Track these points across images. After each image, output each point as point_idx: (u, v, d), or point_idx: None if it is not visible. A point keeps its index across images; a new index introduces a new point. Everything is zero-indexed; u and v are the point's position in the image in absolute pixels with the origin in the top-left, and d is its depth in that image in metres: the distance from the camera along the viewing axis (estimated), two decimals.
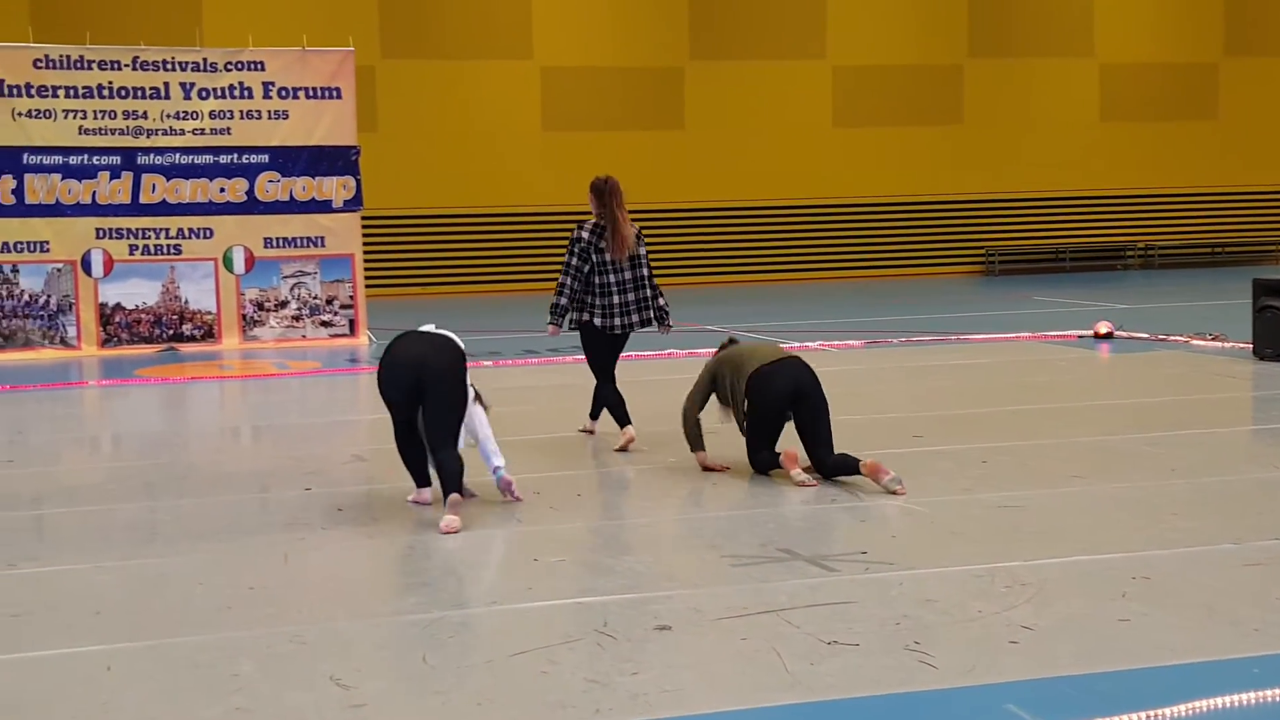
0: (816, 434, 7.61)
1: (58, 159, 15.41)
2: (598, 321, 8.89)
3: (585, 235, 8.84)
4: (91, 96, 15.48)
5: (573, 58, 24.80)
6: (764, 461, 7.73)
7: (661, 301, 9.11)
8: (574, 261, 8.82)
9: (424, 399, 6.99)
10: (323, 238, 16.35)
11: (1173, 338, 14.13)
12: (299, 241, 16.27)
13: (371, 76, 23.03)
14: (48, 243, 15.47)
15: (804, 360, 7.97)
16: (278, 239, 16.19)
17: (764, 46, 25.51)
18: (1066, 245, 26.96)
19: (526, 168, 24.52)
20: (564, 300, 8.86)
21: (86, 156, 15.49)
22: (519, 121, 24.59)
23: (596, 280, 8.85)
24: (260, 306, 16.16)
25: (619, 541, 6.40)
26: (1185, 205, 27.75)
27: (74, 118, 15.43)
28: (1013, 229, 26.96)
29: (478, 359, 13.85)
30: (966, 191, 26.54)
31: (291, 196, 16.17)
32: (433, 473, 7.17)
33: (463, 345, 7.29)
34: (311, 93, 16.25)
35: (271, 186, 16.09)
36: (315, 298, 16.32)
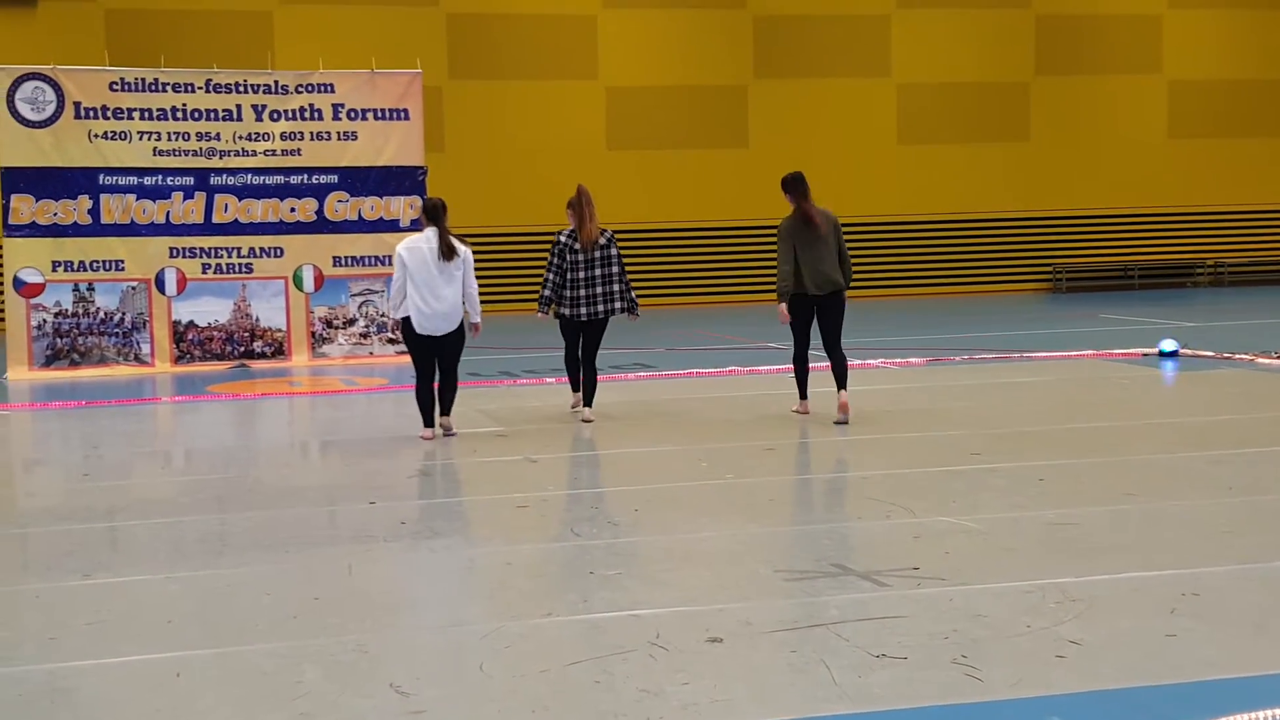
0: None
1: (133, 179, 15.74)
2: (566, 311, 10.85)
3: (563, 239, 10.88)
4: (165, 118, 15.80)
5: (637, 78, 25.00)
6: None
7: (632, 295, 11.02)
8: (554, 261, 10.85)
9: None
10: (391, 257, 16.46)
11: (1238, 356, 14.04)
12: (367, 260, 16.51)
13: (439, 97, 23.33)
14: (123, 261, 15.80)
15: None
16: (346, 258, 16.43)
17: (828, 65, 25.58)
18: (1135, 263, 26.77)
19: (591, 186, 24.59)
20: (547, 292, 10.86)
21: (160, 177, 15.81)
22: (584, 140, 24.81)
23: (568, 277, 10.78)
24: (329, 324, 16.41)
25: (674, 556, 6.50)
26: (1256, 222, 27.46)
27: (148, 139, 15.76)
28: (1081, 246, 26.81)
29: (540, 375, 14.01)
30: (1033, 209, 26.44)
31: (360, 216, 16.40)
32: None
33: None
34: (380, 114, 16.48)
35: (340, 206, 16.34)
36: (382, 315, 16.53)
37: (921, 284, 25.82)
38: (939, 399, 11.74)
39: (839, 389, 10.45)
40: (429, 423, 10.40)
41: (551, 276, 10.83)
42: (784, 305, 10.42)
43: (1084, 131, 26.58)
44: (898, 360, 14.71)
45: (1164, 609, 5.35)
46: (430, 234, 10.33)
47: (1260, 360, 13.64)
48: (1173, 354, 14.33)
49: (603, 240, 10.92)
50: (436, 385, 10.42)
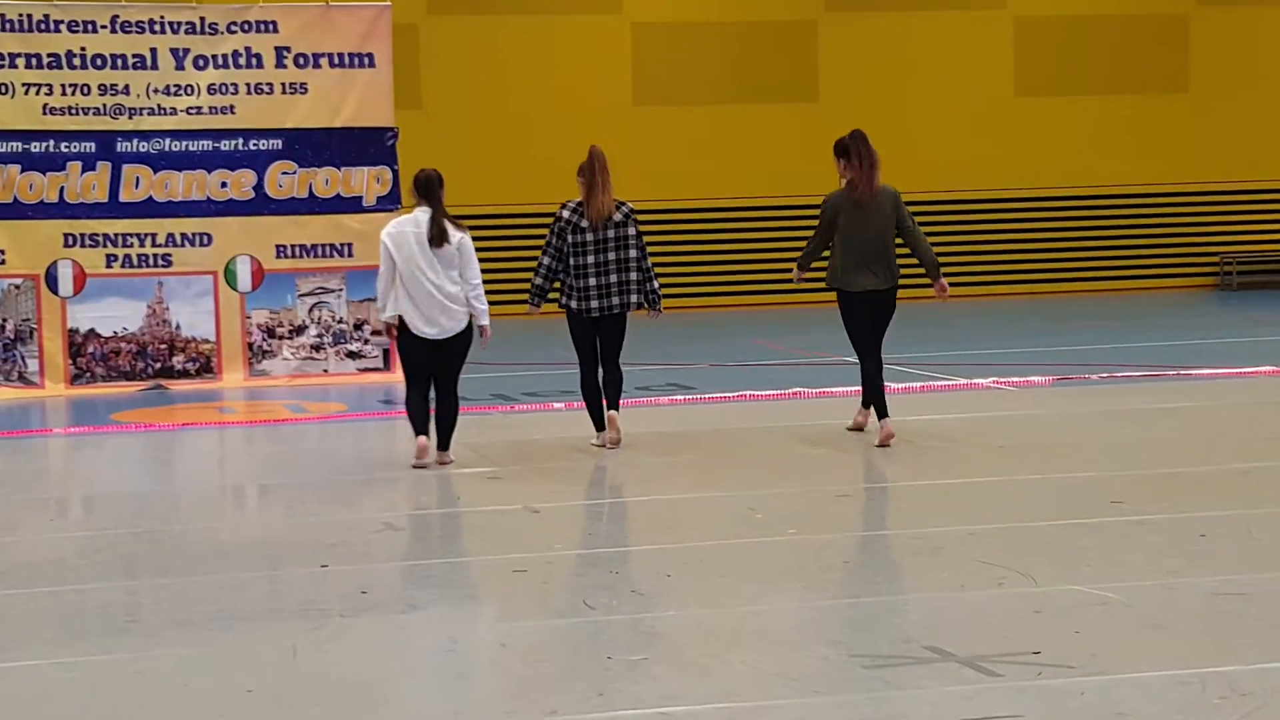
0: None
1: (16, 146, 15.73)
2: (574, 305, 11.06)
3: (565, 214, 11.11)
4: (59, 66, 15.83)
5: (672, 10, 25.05)
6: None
7: (654, 285, 11.14)
8: (553, 240, 11.08)
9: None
10: (350, 245, 16.55)
11: None
12: (320, 250, 16.53)
13: (414, 38, 23.42)
14: (3, 252, 15.81)
15: None
16: (293, 247, 16.45)
17: None
18: None
19: (612, 152, 24.66)
20: (539, 280, 11.16)
21: (52, 143, 15.82)
22: (604, 94, 24.84)
23: (573, 262, 10.97)
24: (271, 333, 16.46)
25: (717, 634, 6.49)
26: None
27: (36, 93, 15.77)
28: (1256, 229, 26.70)
29: (547, 400, 14.03)
30: (1193, 181, 26.32)
31: (311, 192, 16.42)
32: None
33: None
34: (337, 60, 16.52)
35: (286, 180, 16.38)
36: (340, 321, 16.55)
37: (1044, 279, 25.73)
38: (1068, 429, 11.68)
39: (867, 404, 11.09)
40: (422, 429, 10.57)
41: (546, 260, 11.12)
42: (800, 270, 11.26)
43: (1261, 80, 26.46)
44: (1013, 379, 14.67)
45: None
46: (420, 214, 10.45)
47: None
48: None
49: (618, 216, 11.08)
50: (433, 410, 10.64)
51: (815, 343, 18.24)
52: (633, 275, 10.99)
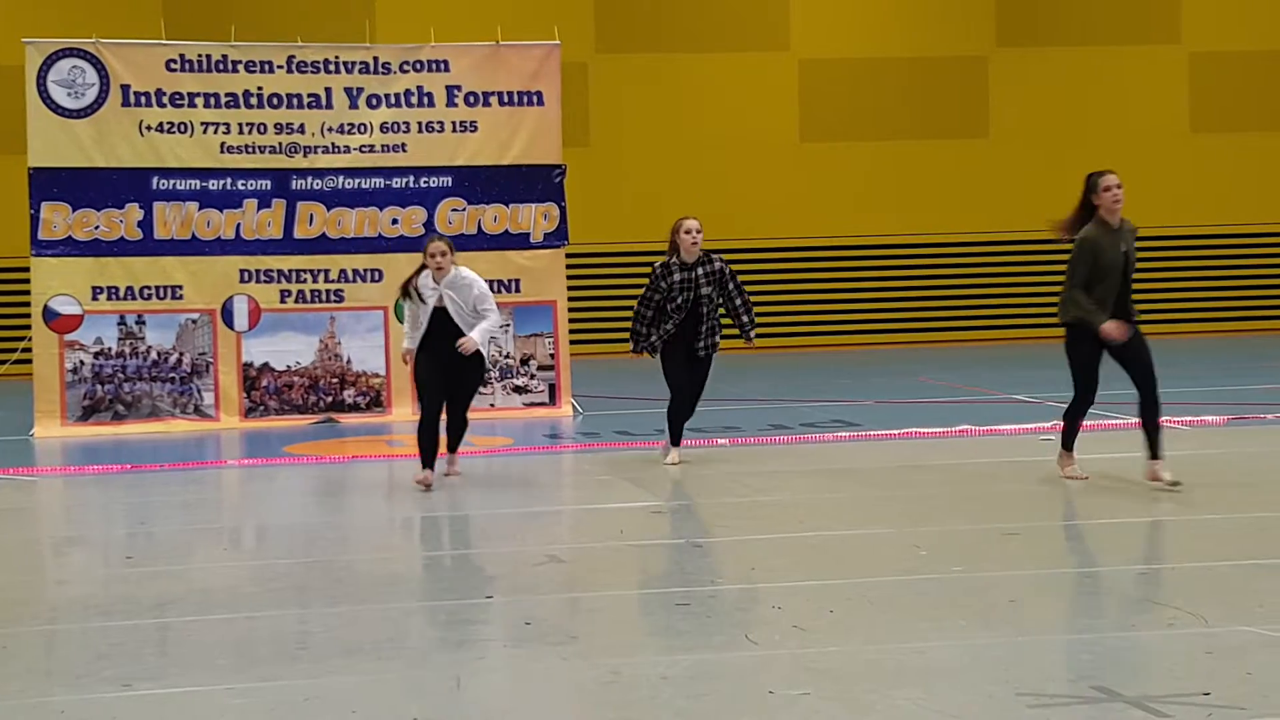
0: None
1: (194, 184, 16.11)
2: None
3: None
4: (236, 106, 16.19)
5: (840, 47, 25.02)
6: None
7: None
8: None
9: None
10: (518, 281, 16.71)
11: None
12: (489, 285, 16.62)
13: (583, 76, 23.62)
14: (181, 287, 16.19)
15: None
16: None
17: (1094, 28, 25.32)
18: None
19: (777, 189, 24.75)
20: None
21: (229, 180, 16.19)
22: (770, 130, 24.88)
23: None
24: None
25: (880, 671, 6.45)
26: None
27: (214, 132, 16.15)
28: None
29: (711, 436, 14.04)
30: None
31: (480, 229, 16.58)
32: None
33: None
34: (507, 98, 16.69)
35: (455, 216, 16.55)
36: (508, 356, 16.69)
37: (1216, 316, 25.29)
38: (1248, 467, 11.48)
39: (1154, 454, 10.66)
40: (428, 463, 11.49)
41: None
42: (1112, 323, 10.37)
43: None
44: (1186, 419, 14.43)
45: None
46: None
47: None
48: None
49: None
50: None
51: (991, 380, 18.10)
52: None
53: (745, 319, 12.45)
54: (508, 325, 16.50)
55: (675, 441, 12.55)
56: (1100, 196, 10.38)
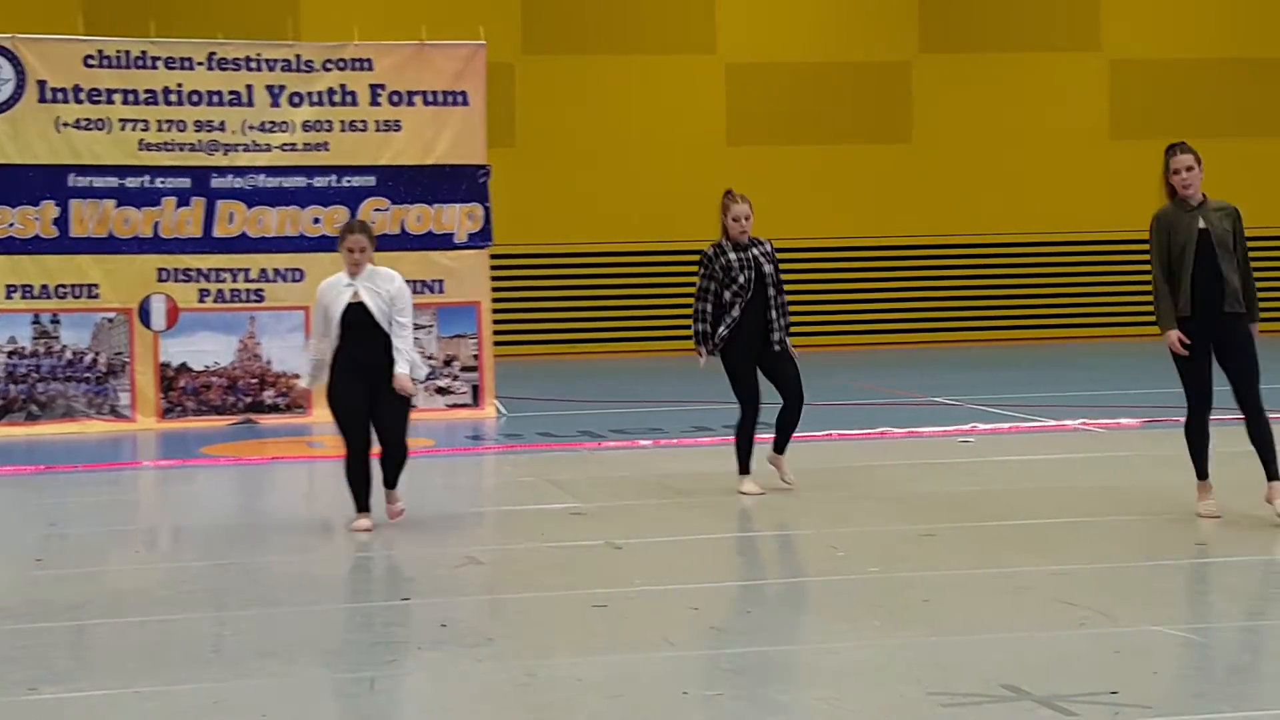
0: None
1: (112, 181, 16.01)
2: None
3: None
4: (155, 102, 16.09)
5: (767, 51, 25.09)
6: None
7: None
8: None
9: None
10: (441, 281, 16.68)
11: None
12: (412, 286, 16.50)
13: (509, 77, 23.59)
14: (97, 286, 16.08)
15: None
16: None
17: (1015, 35, 25.51)
18: None
19: (703, 193, 24.75)
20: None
21: (147, 178, 16.07)
22: (697, 133, 24.93)
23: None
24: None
25: (795, 671, 6.49)
26: None
27: (132, 129, 16.05)
28: None
29: (634, 438, 14.06)
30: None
31: (403, 229, 16.54)
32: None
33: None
34: (431, 98, 16.67)
35: (379, 216, 16.47)
36: (430, 358, 16.62)
37: (1137, 321, 25.50)
38: (1158, 471, 11.57)
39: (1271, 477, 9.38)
40: (363, 506, 9.95)
41: None
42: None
43: None
44: (1103, 421, 14.57)
45: None
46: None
47: None
48: None
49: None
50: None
51: (917, 385, 18.21)
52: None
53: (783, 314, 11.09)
54: (431, 327, 16.47)
55: (746, 469, 10.97)
56: (1170, 178, 9.42)
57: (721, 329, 10.74)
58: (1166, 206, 9.48)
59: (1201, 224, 9.31)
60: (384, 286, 10.00)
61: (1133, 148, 25.68)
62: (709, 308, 10.83)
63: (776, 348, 10.85)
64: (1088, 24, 25.72)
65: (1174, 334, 9.31)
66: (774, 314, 10.83)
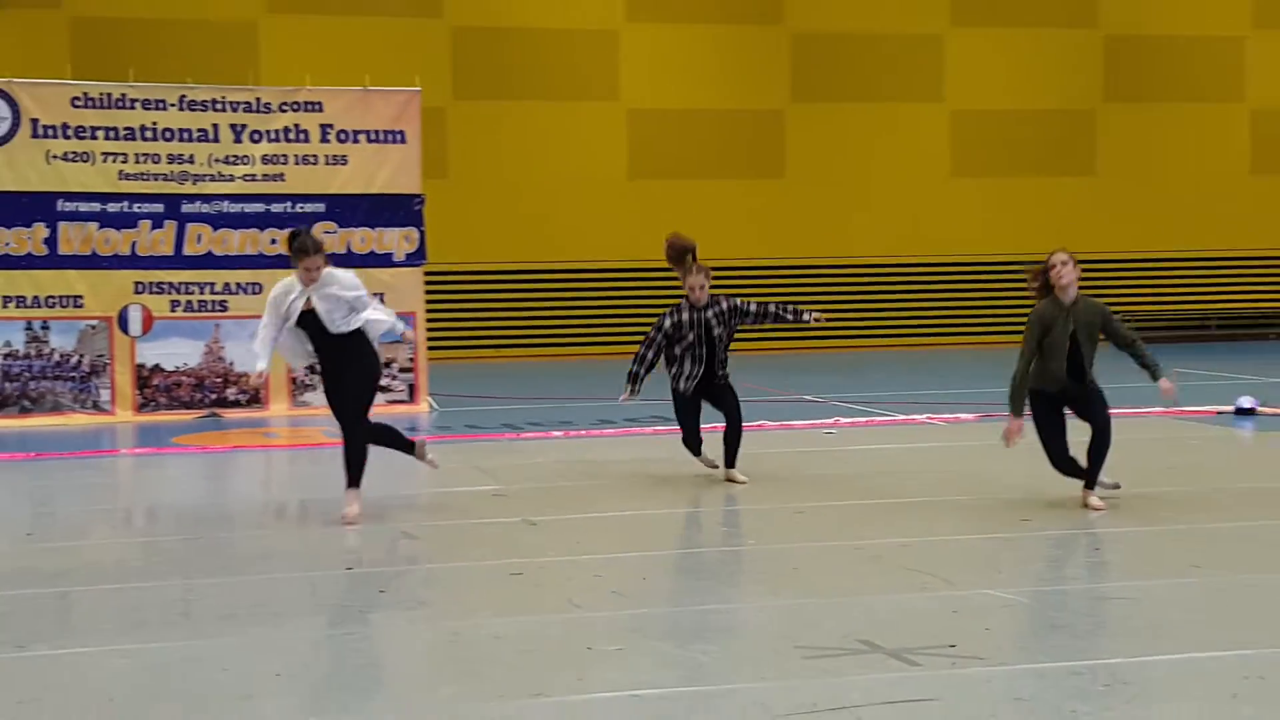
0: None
1: (95, 206, 15.82)
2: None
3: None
4: (133, 138, 15.91)
5: (663, 99, 25.14)
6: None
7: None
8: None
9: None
10: (382, 294, 16.39)
11: None
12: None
13: (441, 119, 23.47)
14: (81, 297, 15.87)
15: None
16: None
17: (873, 88, 25.69)
18: (1213, 311, 26.70)
19: (609, 220, 24.81)
20: None
21: (126, 204, 15.90)
22: (602, 169, 24.94)
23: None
24: (312, 369, 16.41)
25: (684, 629, 6.49)
26: None
27: (113, 161, 15.86)
28: (1152, 292, 26.78)
29: (548, 429, 14.04)
30: (1100, 250, 26.36)
31: (349, 249, 16.41)
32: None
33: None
34: (373, 136, 16.60)
35: (327, 238, 16.27)
36: None
37: (975, 332, 25.76)
38: (991, 459, 11.69)
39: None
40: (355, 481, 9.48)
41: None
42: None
43: (1157, 165, 26.58)
44: (946, 416, 14.69)
45: (1224, 693, 5.33)
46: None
47: None
48: (1250, 412, 14.30)
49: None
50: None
51: (788, 383, 18.25)
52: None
53: (788, 314, 10.91)
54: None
55: (699, 454, 10.92)
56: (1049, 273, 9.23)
57: (674, 381, 10.65)
58: (1044, 303, 9.28)
59: (1073, 323, 9.20)
60: (332, 289, 9.32)
61: (969, 184, 25.94)
62: (651, 355, 10.68)
63: (720, 382, 10.70)
64: (934, 80, 25.92)
65: (1017, 424, 9.12)
66: (718, 363, 10.65)
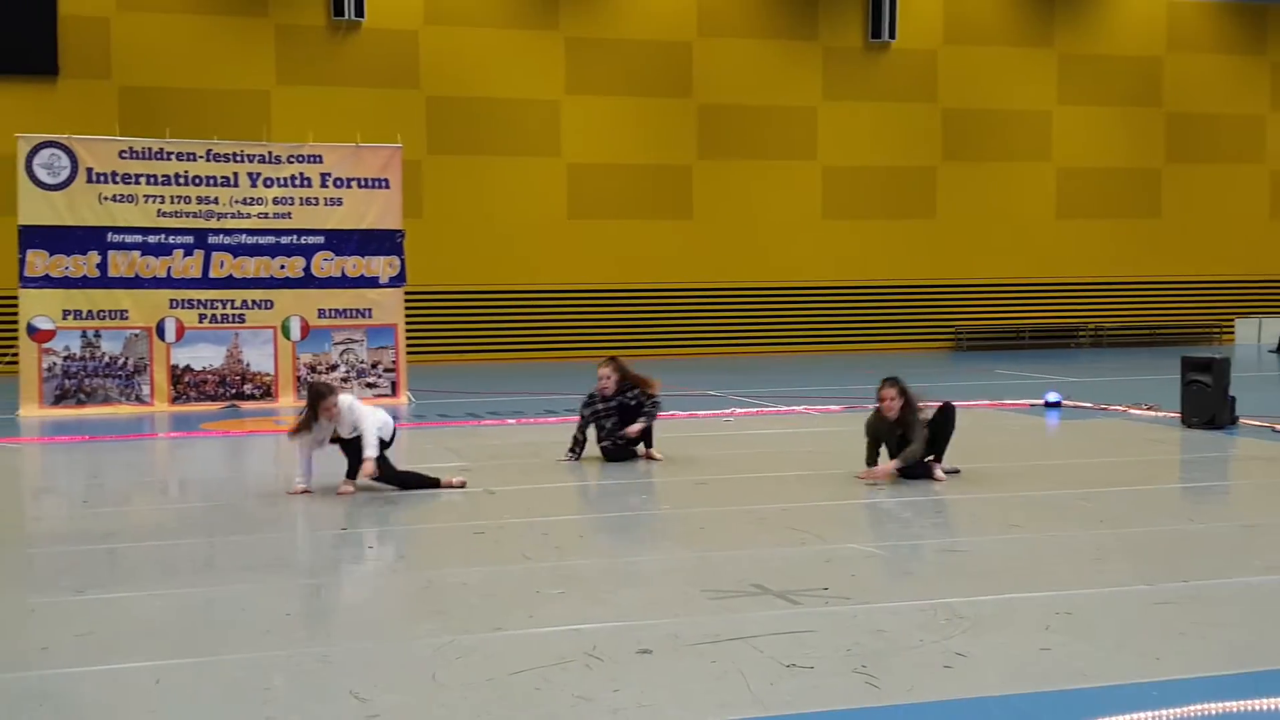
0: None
1: (138, 238, 15.60)
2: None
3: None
4: (169, 184, 15.69)
5: (596, 155, 25.09)
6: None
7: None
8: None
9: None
10: (370, 310, 16.53)
11: (1113, 407, 14.18)
12: (349, 313, 16.44)
13: (418, 170, 23.32)
14: (127, 311, 15.64)
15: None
16: (330, 310, 16.36)
17: (763, 148, 25.76)
18: (1026, 325, 27.04)
19: (553, 251, 24.75)
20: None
21: (163, 236, 15.69)
22: (547, 210, 24.84)
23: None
24: (313, 369, 16.29)
25: (614, 576, 6.49)
26: (1130, 292, 27.85)
27: (153, 202, 15.63)
28: (979, 311, 27.07)
29: (505, 417, 13.96)
30: (939, 277, 26.69)
31: (343, 273, 16.33)
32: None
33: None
34: (363, 183, 16.46)
35: (326, 264, 16.28)
36: (362, 362, 16.46)
37: (840, 341, 25.94)
38: (854, 442, 11.76)
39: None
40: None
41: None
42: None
43: (983, 210, 26.91)
44: (818, 407, 14.77)
45: (1040, 625, 5.39)
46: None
47: (1132, 411, 13.78)
48: (1056, 404, 14.48)
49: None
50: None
51: (700, 382, 18.27)
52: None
53: (644, 416, 10.60)
54: (363, 340, 16.38)
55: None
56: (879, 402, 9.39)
57: (604, 442, 10.55)
58: (873, 415, 9.47)
59: (896, 432, 9.33)
60: (349, 424, 9.20)
61: (838, 224, 26.09)
62: (584, 426, 10.64)
63: (620, 442, 10.56)
64: (808, 140, 26.05)
65: (873, 471, 9.33)
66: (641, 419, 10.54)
